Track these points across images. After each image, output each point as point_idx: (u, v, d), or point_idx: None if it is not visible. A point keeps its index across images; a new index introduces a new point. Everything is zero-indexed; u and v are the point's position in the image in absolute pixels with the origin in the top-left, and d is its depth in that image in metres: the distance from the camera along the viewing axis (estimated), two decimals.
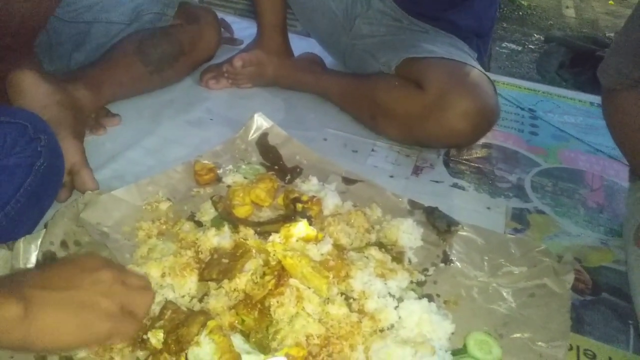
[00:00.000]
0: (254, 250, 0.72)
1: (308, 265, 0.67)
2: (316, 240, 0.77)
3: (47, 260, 0.70)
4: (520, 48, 3.23)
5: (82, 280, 0.55)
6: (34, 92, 0.90)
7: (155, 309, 0.66)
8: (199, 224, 0.82)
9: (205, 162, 0.93)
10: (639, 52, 0.76)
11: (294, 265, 0.67)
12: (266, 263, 0.70)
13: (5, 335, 0.49)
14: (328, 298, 0.68)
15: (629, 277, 0.79)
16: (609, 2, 4.11)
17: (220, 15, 1.54)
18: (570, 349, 0.71)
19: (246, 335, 0.65)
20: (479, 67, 1.06)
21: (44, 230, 0.75)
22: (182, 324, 0.62)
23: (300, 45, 1.39)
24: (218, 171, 0.93)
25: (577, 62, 2.02)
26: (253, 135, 1.02)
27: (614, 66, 0.80)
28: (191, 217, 0.84)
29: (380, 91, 1.09)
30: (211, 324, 0.62)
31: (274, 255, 0.69)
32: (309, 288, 0.67)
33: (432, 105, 1.00)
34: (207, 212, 0.83)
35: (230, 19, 1.61)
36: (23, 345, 0.51)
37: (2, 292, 0.50)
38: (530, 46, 3.27)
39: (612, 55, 0.82)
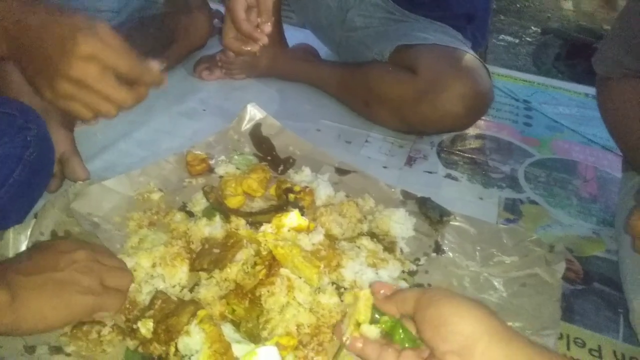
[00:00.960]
0: (245, 240, 0.71)
1: (299, 255, 0.67)
2: (308, 231, 0.77)
3: None
4: (517, 40, 3.22)
5: (59, 261, 0.57)
6: (23, 81, 0.88)
7: (146, 298, 0.66)
8: (190, 214, 0.82)
9: (198, 152, 0.93)
10: (634, 40, 0.76)
11: (285, 255, 0.67)
12: (257, 253, 0.70)
13: None
14: (319, 287, 0.68)
15: (619, 267, 0.80)
16: None
17: (215, 6, 1.54)
18: (561, 337, 0.71)
19: (237, 325, 0.64)
20: (472, 52, 1.06)
21: (34, 220, 0.75)
22: (172, 314, 0.62)
23: (296, 36, 1.39)
24: (210, 162, 0.93)
25: (573, 53, 2.02)
26: (246, 125, 1.02)
27: (609, 55, 0.80)
28: (183, 208, 0.83)
29: (374, 78, 1.09)
30: (201, 313, 0.62)
31: (265, 245, 0.69)
32: (300, 278, 0.66)
33: (426, 89, 1.00)
34: (199, 203, 0.82)
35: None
36: (12, 329, 0.54)
37: None
38: (528, 39, 3.26)
39: (607, 43, 0.81)
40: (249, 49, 0.87)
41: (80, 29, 0.55)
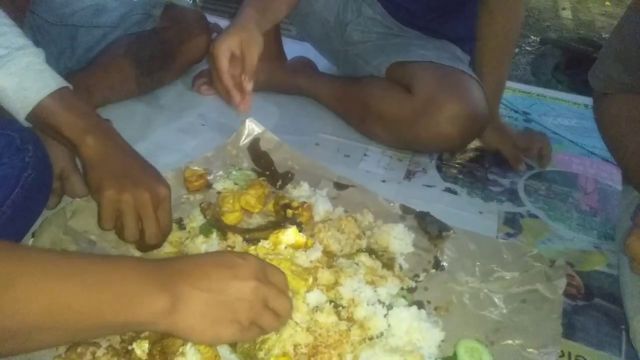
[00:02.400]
0: None
1: (288, 269, 0.66)
2: (305, 247, 0.76)
3: None
4: (516, 50, 3.23)
5: (229, 286, 0.55)
6: None
7: None
8: (182, 228, 0.81)
9: (196, 168, 0.92)
10: (628, 56, 0.76)
11: (279, 263, 0.67)
12: None
13: (149, 327, 0.53)
14: (317, 306, 0.68)
15: (620, 281, 0.79)
16: (606, 3, 4.11)
17: (214, 19, 1.55)
18: (562, 355, 0.70)
19: (233, 346, 0.64)
20: (469, 71, 1.06)
21: (32, 239, 0.75)
22: (167, 335, 0.62)
23: (295, 49, 1.39)
24: (208, 177, 0.93)
25: (572, 64, 2.02)
26: (244, 140, 1.02)
27: (604, 70, 0.80)
28: (178, 222, 0.83)
29: (371, 94, 1.09)
30: None
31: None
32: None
33: (421, 110, 1.00)
34: (196, 219, 0.82)
35: (224, 23, 1.61)
36: (161, 333, 0.58)
37: (154, 283, 0.52)
38: (527, 48, 3.27)
39: (602, 59, 0.81)
40: (233, 103, 0.89)
41: (162, 180, 0.75)
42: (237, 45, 0.86)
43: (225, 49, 0.85)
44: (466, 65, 1.08)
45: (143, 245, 0.75)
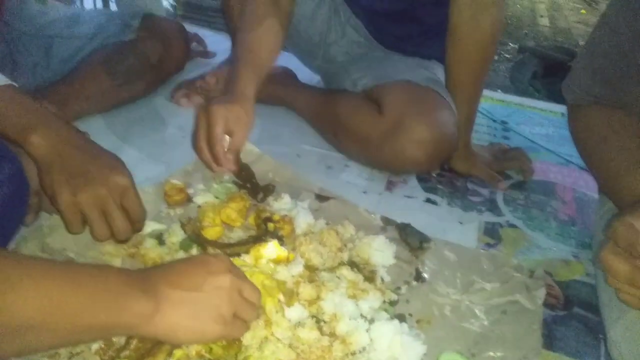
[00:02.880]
0: None
1: (259, 283, 0.67)
2: (287, 262, 0.76)
3: None
4: (495, 57, 3.28)
5: (205, 282, 0.58)
6: None
7: (121, 338, 0.64)
8: (161, 242, 0.80)
9: (176, 182, 0.91)
10: (599, 69, 0.77)
11: (250, 275, 0.66)
12: None
13: (135, 329, 0.54)
14: (299, 322, 0.67)
15: (597, 291, 0.80)
16: (581, 11, 4.21)
17: (193, 29, 1.54)
18: None
19: None
20: (443, 91, 1.05)
21: None
22: (148, 354, 0.61)
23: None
24: (189, 191, 0.92)
25: (549, 72, 2.06)
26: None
27: (576, 82, 0.81)
28: (158, 237, 0.82)
29: (343, 111, 1.09)
30: (177, 352, 0.61)
31: None
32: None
33: (388, 131, 0.99)
34: (176, 234, 0.81)
35: (204, 32, 1.60)
36: (146, 337, 0.58)
37: (137, 289, 0.54)
38: (506, 55, 3.32)
39: (575, 71, 0.83)
40: (212, 167, 0.89)
41: (119, 169, 0.73)
42: (232, 120, 0.86)
43: (223, 116, 0.85)
44: (442, 86, 1.08)
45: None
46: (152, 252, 0.78)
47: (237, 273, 0.62)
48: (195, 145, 0.88)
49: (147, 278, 0.56)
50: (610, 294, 0.72)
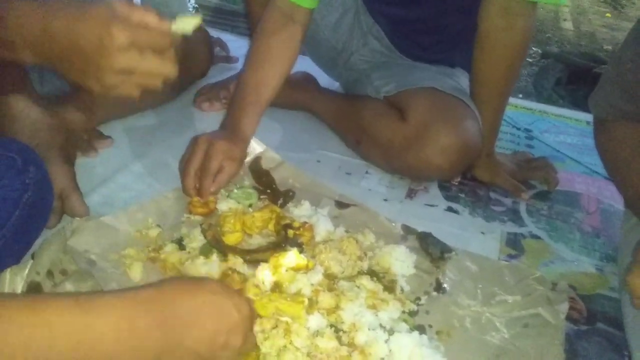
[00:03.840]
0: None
1: (279, 299, 0.66)
2: (306, 270, 0.76)
3: (32, 291, 0.69)
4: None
5: (219, 349, 0.52)
6: (25, 117, 0.89)
7: None
8: (182, 248, 0.81)
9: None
10: (627, 84, 0.76)
11: (264, 305, 0.66)
12: None
13: None
14: (317, 331, 0.67)
15: (622, 309, 0.78)
16: (606, 14, 4.13)
17: (217, 34, 1.55)
18: None
19: None
20: (467, 99, 1.04)
21: (31, 260, 0.75)
22: None
23: (298, 63, 1.39)
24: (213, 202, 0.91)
25: (573, 79, 2.02)
26: (246, 159, 1.01)
27: (603, 96, 0.80)
28: (178, 242, 0.82)
29: (366, 118, 1.09)
30: None
31: None
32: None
33: (412, 138, 0.99)
34: (196, 239, 0.81)
35: (227, 37, 1.61)
36: None
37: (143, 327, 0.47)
38: (529, 59, 3.28)
39: (602, 85, 0.81)
40: (190, 195, 0.89)
41: (109, 21, 0.54)
42: (227, 156, 0.88)
43: (221, 153, 0.87)
44: (466, 94, 1.07)
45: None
46: (172, 256, 0.79)
47: (250, 327, 0.57)
48: (184, 169, 0.89)
49: (161, 316, 0.49)
50: (635, 312, 0.71)
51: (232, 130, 0.93)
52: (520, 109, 1.45)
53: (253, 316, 0.59)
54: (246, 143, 0.94)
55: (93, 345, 0.44)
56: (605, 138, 0.81)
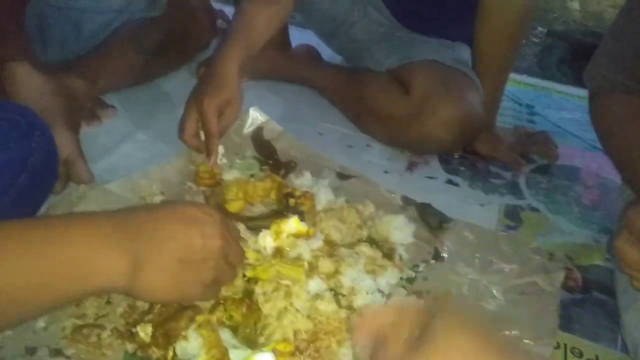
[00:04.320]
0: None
1: (281, 262, 0.68)
2: (307, 236, 0.77)
3: None
4: (523, 41, 3.21)
5: (192, 247, 0.55)
6: (28, 82, 0.89)
7: (145, 303, 0.67)
8: None
9: (206, 162, 0.92)
10: (621, 56, 0.75)
11: (265, 270, 0.68)
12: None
13: (110, 285, 0.51)
14: (317, 294, 0.69)
15: (614, 276, 0.79)
16: None
17: (219, 6, 1.54)
18: (558, 347, 0.71)
19: (234, 331, 0.65)
20: (469, 72, 1.04)
21: None
22: (170, 318, 0.63)
23: (298, 37, 1.39)
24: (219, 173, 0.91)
25: (578, 56, 2.00)
26: (248, 129, 1.02)
27: (598, 69, 0.79)
28: None
29: (368, 90, 1.09)
30: (199, 318, 0.63)
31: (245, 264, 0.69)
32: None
33: (415, 111, 0.99)
34: None
35: (230, 9, 1.60)
36: (122, 291, 0.55)
37: (114, 249, 0.50)
38: (534, 39, 3.24)
39: (597, 58, 0.81)
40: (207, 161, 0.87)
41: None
42: (224, 104, 0.86)
43: (214, 108, 0.84)
44: (469, 67, 1.06)
45: None
46: None
47: (227, 234, 0.59)
48: (184, 136, 0.88)
49: (128, 231, 0.52)
50: (626, 280, 0.72)
51: (213, 75, 0.88)
52: (522, 85, 1.45)
53: (224, 221, 0.61)
54: (233, 79, 0.88)
55: (69, 262, 0.48)
56: (599, 110, 0.81)
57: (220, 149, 0.88)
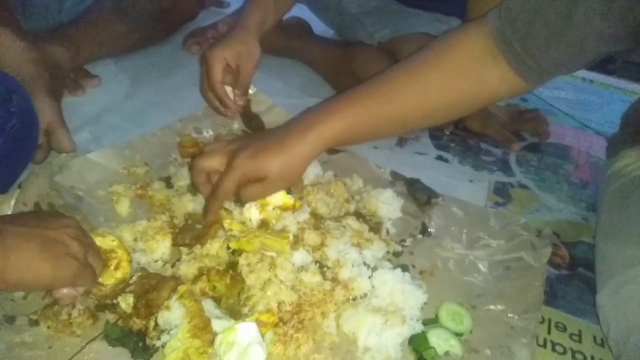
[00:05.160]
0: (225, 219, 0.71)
1: (264, 234, 0.67)
2: (293, 209, 0.76)
3: None
4: None
5: (50, 222, 0.57)
6: (9, 49, 0.87)
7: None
8: (169, 186, 0.81)
9: (194, 136, 0.91)
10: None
11: (249, 240, 0.67)
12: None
13: None
14: (302, 266, 0.68)
15: (594, 254, 0.78)
16: None
17: None
18: (542, 321, 0.71)
19: (217, 301, 0.64)
20: None
21: (18, 190, 0.74)
22: (152, 289, 0.62)
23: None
24: (198, 135, 0.91)
25: None
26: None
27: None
28: (166, 180, 0.82)
29: (359, 64, 1.06)
30: (182, 288, 0.62)
31: (229, 235, 0.69)
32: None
33: None
34: (184, 177, 0.81)
35: None
36: (2, 277, 0.51)
37: None
38: None
39: None
40: (222, 111, 0.90)
41: None
42: (233, 57, 0.85)
43: (220, 58, 0.83)
44: None
45: None
46: (160, 193, 0.79)
47: (85, 237, 0.61)
48: (203, 94, 0.88)
49: None
50: (602, 257, 0.72)
51: (230, 31, 0.90)
52: None
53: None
54: (249, 33, 0.89)
55: None
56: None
57: (241, 102, 0.91)
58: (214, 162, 0.70)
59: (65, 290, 0.59)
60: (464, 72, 0.68)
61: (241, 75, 0.87)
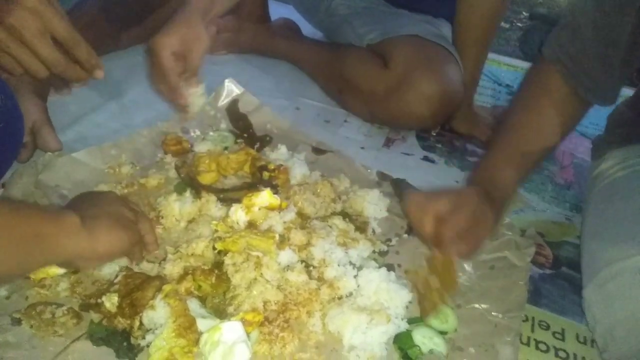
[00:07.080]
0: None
1: (251, 234, 0.67)
2: (280, 209, 0.76)
3: None
4: (507, 25, 3.20)
5: (102, 198, 0.65)
6: None
7: (111, 273, 0.66)
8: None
9: (179, 135, 0.91)
10: (576, 27, 0.74)
11: (235, 241, 0.67)
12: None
13: (73, 243, 0.56)
14: (288, 266, 0.68)
15: (580, 251, 0.79)
16: None
17: None
18: (526, 320, 0.72)
19: (202, 300, 0.64)
20: (450, 47, 1.03)
21: (2, 189, 0.74)
22: (137, 288, 0.62)
23: (279, 12, 1.36)
24: (189, 143, 0.90)
25: None
26: (223, 101, 1.00)
27: (556, 37, 0.77)
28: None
29: (348, 66, 1.07)
30: (167, 288, 0.62)
31: (215, 236, 0.70)
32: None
33: (395, 86, 0.98)
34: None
35: None
36: (91, 252, 0.58)
37: (55, 209, 0.59)
38: (518, 24, 3.23)
39: (557, 27, 0.79)
40: (178, 104, 0.85)
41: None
42: (178, 42, 0.80)
43: (166, 46, 0.79)
44: (449, 43, 1.05)
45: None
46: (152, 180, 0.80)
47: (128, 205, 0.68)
48: (154, 88, 0.85)
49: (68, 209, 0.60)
50: (588, 254, 0.73)
51: (176, 15, 0.84)
52: (503, 65, 1.44)
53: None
54: (192, 17, 0.83)
55: None
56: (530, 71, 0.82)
57: (200, 89, 0.87)
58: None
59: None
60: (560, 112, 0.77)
61: (190, 59, 0.82)
